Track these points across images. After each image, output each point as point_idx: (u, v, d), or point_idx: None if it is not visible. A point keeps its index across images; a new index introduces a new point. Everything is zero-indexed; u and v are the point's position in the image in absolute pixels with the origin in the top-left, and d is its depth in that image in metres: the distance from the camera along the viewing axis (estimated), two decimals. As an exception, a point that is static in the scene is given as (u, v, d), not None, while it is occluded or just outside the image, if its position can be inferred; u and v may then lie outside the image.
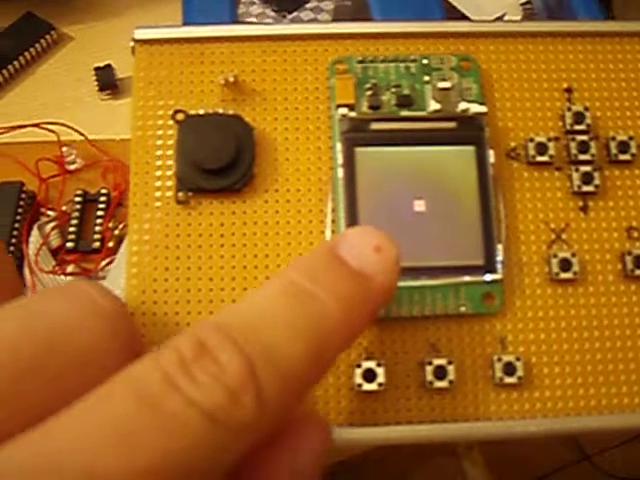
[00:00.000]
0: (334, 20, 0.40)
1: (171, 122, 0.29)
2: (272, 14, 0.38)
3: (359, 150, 0.28)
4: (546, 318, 0.28)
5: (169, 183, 0.29)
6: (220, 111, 0.29)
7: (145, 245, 0.28)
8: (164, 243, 0.28)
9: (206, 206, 0.29)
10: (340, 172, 0.28)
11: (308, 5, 0.38)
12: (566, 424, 0.27)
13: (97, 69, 0.39)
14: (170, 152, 0.29)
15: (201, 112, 0.29)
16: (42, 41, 0.41)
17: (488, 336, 0.28)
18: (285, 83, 0.30)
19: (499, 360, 0.27)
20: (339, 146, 0.28)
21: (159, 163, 0.29)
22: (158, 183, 0.29)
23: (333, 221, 0.28)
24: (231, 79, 0.29)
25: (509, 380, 0.27)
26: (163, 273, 0.28)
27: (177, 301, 0.28)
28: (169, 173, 0.29)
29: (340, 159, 0.28)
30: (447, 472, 0.42)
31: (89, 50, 0.41)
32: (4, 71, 0.40)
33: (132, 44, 0.31)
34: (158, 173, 0.29)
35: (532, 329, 0.28)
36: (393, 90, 0.29)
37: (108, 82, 0.39)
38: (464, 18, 0.37)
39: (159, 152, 0.29)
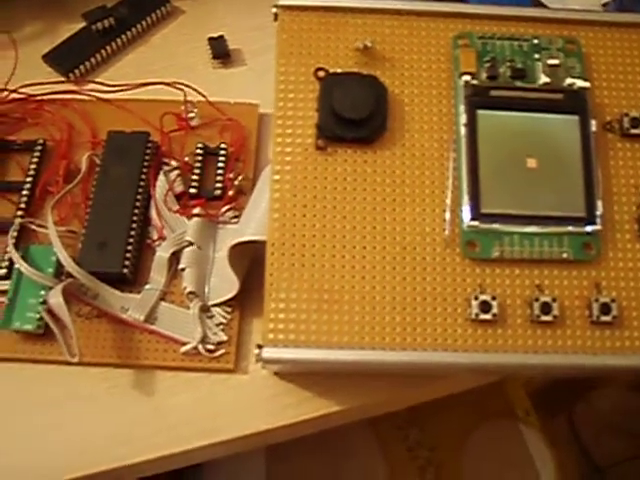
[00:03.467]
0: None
1: (312, 79, 0.33)
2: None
3: (480, 112, 0.32)
4: (635, 268, 0.32)
5: (310, 131, 0.32)
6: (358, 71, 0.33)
7: (286, 184, 0.32)
8: (303, 184, 0.32)
9: (341, 154, 0.32)
10: (463, 130, 0.32)
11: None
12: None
13: (211, 39, 0.43)
14: (311, 104, 0.33)
15: (339, 71, 0.33)
16: (157, 11, 0.44)
17: (586, 280, 0.31)
18: (412, 52, 0.34)
19: (596, 301, 0.31)
20: (462, 108, 0.32)
21: (301, 114, 0.33)
22: (299, 131, 0.32)
23: (454, 174, 0.32)
24: (369, 44, 0.33)
25: (605, 318, 0.31)
26: (301, 209, 0.31)
27: (314, 235, 0.31)
28: (310, 123, 0.32)
29: (464, 119, 0.32)
30: (505, 433, 0.46)
31: (200, 23, 0.45)
32: (123, 36, 0.43)
33: (275, 10, 0.34)
34: (300, 122, 0.32)
35: (623, 277, 0.32)
36: (508, 64, 0.33)
37: (221, 51, 0.42)
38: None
39: (301, 104, 0.33)
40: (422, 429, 0.46)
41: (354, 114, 0.32)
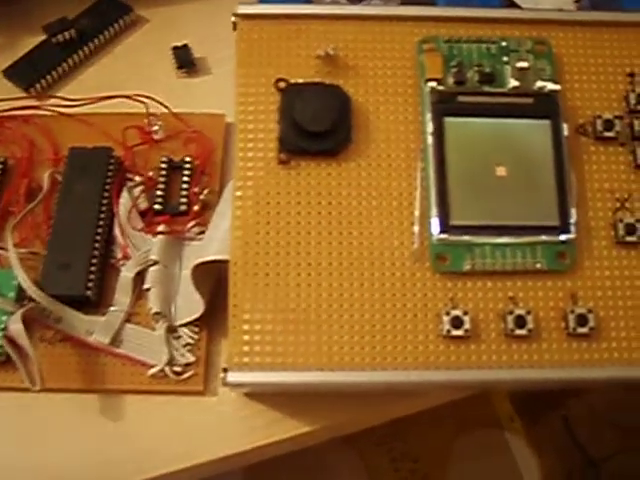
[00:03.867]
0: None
1: (273, 89, 0.32)
2: (344, 2, 0.41)
3: (448, 120, 0.31)
4: (612, 277, 0.31)
5: (272, 145, 0.31)
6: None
7: (248, 200, 0.31)
8: (266, 200, 0.31)
9: (305, 167, 0.31)
10: (430, 139, 0.31)
11: (379, -5, 0.41)
12: (631, 372, 0.30)
13: (175, 48, 0.41)
14: (272, 116, 0.32)
15: (300, 81, 0.32)
16: (120, 21, 0.43)
17: (561, 291, 0.30)
18: (376, 59, 0.33)
19: (572, 312, 0.30)
20: (429, 116, 0.31)
21: (262, 126, 0.31)
22: (261, 145, 0.31)
23: (422, 185, 0.31)
24: (331, 52, 0.32)
25: (582, 330, 0.30)
26: (265, 226, 0.30)
27: (278, 252, 0.30)
28: (272, 136, 0.31)
29: (430, 127, 0.31)
30: (490, 442, 0.45)
31: (164, 32, 0.43)
32: (85, 48, 0.42)
33: (233, 19, 0.33)
34: (261, 135, 0.31)
35: (600, 286, 0.31)
36: (476, 68, 0.32)
37: (186, 60, 0.41)
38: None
39: (262, 116, 0.32)
40: (405, 441, 0.46)
41: (317, 126, 0.30)
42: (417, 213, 0.31)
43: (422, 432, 0.45)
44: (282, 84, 0.32)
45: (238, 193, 0.31)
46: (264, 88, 0.32)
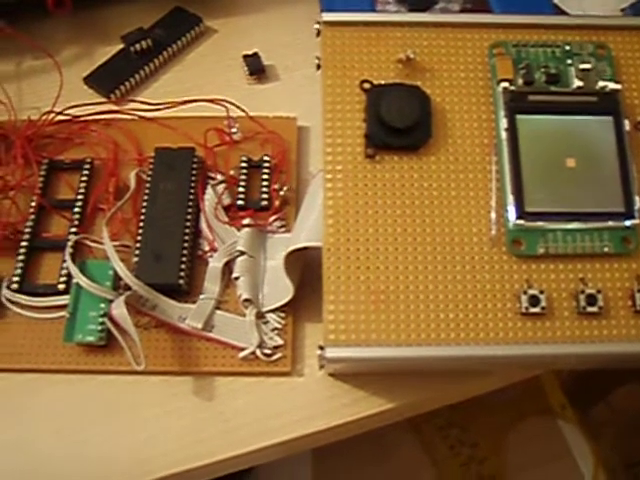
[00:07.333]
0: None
1: (358, 90, 0.35)
2: (404, 10, 0.44)
3: (519, 117, 0.34)
4: (673, 259, 0.33)
5: (358, 140, 0.34)
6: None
7: (339, 192, 0.33)
8: (354, 191, 0.33)
9: (389, 161, 0.34)
10: (504, 135, 0.34)
11: (437, 6, 0.44)
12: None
13: (245, 56, 0.44)
14: (358, 115, 0.34)
15: (382, 82, 0.35)
16: (192, 31, 0.46)
17: (627, 272, 0.33)
18: (450, 62, 0.35)
19: (638, 291, 0.32)
20: (502, 113, 0.34)
21: (349, 124, 0.34)
22: (349, 140, 0.34)
23: (497, 176, 0.34)
24: (411, 55, 0.34)
25: (648, 307, 0.32)
26: (354, 215, 0.33)
27: (367, 239, 0.33)
28: (358, 132, 0.34)
29: (504, 124, 0.34)
30: (543, 430, 0.47)
31: (231, 41, 0.46)
32: (160, 56, 0.45)
33: (317, 26, 0.36)
34: (348, 132, 0.34)
35: (663, 268, 0.33)
36: (542, 70, 0.35)
37: (257, 67, 0.44)
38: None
39: (349, 115, 0.34)
40: (463, 429, 0.48)
41: (401, 123, 0.33)
42: (493, 202, 0.33)
43: (478, 421, 0.48)
44: (367, 85, 0.34)
45: (329, 185, 0.33)
46: (349, 89, 0.35)
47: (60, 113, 0.42)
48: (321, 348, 0.32)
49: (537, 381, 0.48)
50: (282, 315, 0.37)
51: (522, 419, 0.48)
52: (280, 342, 0.36)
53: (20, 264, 0.38)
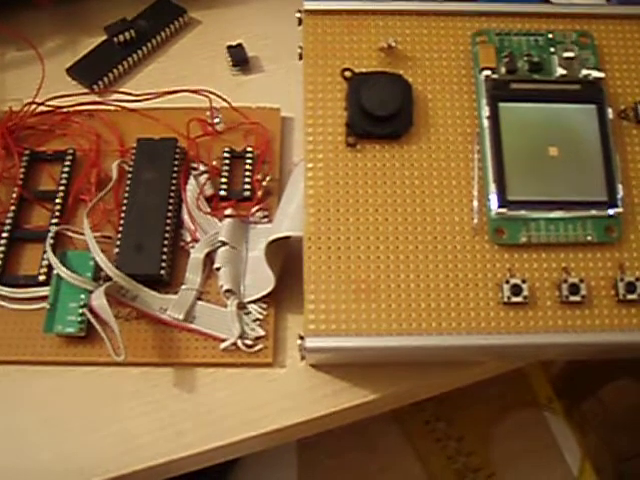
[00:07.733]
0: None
1: (339, 79, 0.34)
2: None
3: (502, 105, 0.34)
4: (656, 248, 0.33)
5: (339, 129, 0.34)
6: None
7: (319, 180, 0.33)
8: (335, 180, 0.33)
9: (370, 149, 0.34)
10: (486, 123, 0.34)
11: None
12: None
13: (230, 47, 0.44)
14: (339, 103, 0.34)
15: (364, 71, 0.34)
16: (175, 22, 0.45)
17: (610, 261, 0.33)
18: (432, 51, 0.35)
19: (621, 280, 0.32)
20: (484, 101, 0.34)
21: (330, 113, 0.34)
22: (330, 129, 0.34)
23: (479, 165, 0.33)
24: (393, 43, 0.34)
25: (631, 296, 0.32)
26: (335, 204, 0.33)
27: (348, 228, 0.33)
28: (339, 121, 0.34)
29: (486, 112, 0.34)
30: (530, 422, 0.47)
31: (215, 33, 0.46)
32: (143, 47, 0.44)
33: (299, 15, 0.36)
34: (329, 121, 0.34)
35: (646, 257, 0.33)
36: (525, 58, 0.35)
37: (241, 58, 0.44)
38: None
39: (330, 103, 0.34)
40: (448, 423, 0.48)
41: (382, 111, 0.33)
42: (475, 191, 0.33)
43: (464, 414, 0.47)
44: (348, 74, 0.34)
45: (309, 174, 0.33)
46: (330, 77, 0.34)
47: (42, 104, 0.41)
48: (301, 338, 0.31)
49: (524, 375, 0.48)
50: (264, 306, 0.36)
51: (508, 412, 0.48)
52: (262, 333, 0.36)
53: (0, 255, 0.37)
